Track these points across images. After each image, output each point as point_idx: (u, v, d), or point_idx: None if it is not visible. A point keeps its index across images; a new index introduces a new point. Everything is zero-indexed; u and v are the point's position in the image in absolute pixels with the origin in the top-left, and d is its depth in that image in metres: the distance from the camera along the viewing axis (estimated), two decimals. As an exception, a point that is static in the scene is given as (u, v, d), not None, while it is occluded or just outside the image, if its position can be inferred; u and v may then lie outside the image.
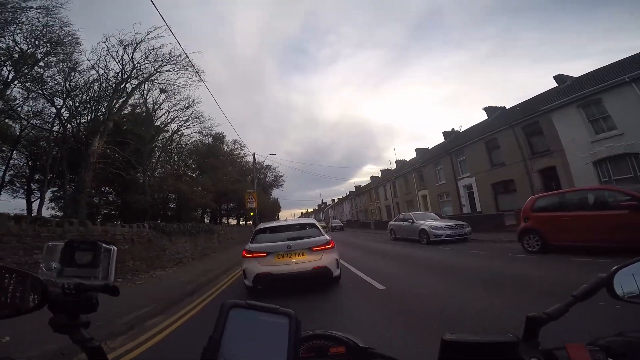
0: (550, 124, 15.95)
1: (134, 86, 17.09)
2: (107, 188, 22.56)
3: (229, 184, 24.16)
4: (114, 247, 0.64)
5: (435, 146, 30.65)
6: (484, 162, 20.35)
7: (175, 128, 23.88)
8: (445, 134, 30.33)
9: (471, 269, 6.43)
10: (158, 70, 16.99)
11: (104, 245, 0.62)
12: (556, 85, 19.17)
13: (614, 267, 0.63)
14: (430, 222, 12.38)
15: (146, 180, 19.92)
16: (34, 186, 19.57)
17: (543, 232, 7.46)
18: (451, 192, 23.75)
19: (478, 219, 16.47)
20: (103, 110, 16.08)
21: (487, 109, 24.99)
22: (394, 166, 42.33)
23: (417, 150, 35.53)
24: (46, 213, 19.06)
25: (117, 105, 16.15)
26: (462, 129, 29.21)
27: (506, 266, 6.44)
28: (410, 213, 14.45)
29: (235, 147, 34.91)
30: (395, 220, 15.47)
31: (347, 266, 7.79)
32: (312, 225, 5.86)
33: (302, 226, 5.84)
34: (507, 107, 23.80)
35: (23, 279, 0.58)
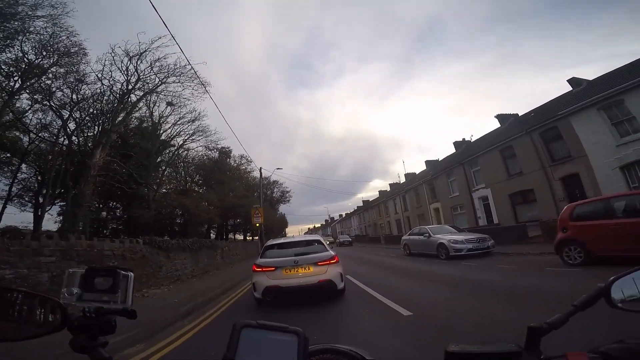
0: (569, 128, 15.06)
1: (138, 97, 16.90)
2: (114, 203, 22.21)
3: (236, 199, 23.56)
4: (131, 273, 0.68)
5: (446, 157, 29.74)
6: (500, 172, 19.38)
7: (181, 142, 23.65)
8: (455, 144, 29.48)
9: (513, 287, 5.47)
10: (163, 81, 16.79)
11: (122, 272, 0.67)
12: (570, 89, 18.35)
13: (612, 277, 0.64)
14: (448, 235, 11.44)
15: (151, 194, 19.47)
16: (42, 200, 19.32)
17: (585, 242, 6.53)
18: (465, 204, 22.68)
19: (496, 231, 15.36)
20: (107, 122, 15.84)
21: (499, 117, 24.15)
22: (402, 179, 41.38)
23: (427, 162, 34.67)
24: (53, 227, 18.69)
25: (121, 117, 15.87)
26: (474, 139, 28.40)
27: (554, 282, 5.52)
28: (426, 227, 13.50)
29: (242, 162, 34.61)
30: (409, 235, 14.52)
31: (360, 286, 6.99)
32: (318, 242, 6.22)
33: (309, 242, 6.19)
34: (519, 114, 22.99)
35: (45, 302, 0.64)
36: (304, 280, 5.27)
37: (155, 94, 19.40)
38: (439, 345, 0.87)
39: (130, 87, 15.74)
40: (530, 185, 17.36)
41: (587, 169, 14.39)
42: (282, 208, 59.92)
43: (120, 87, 15.83)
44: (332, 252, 5.77)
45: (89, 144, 16.41)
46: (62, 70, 14.09)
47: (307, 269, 5.38)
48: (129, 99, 16.45)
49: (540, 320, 0.62)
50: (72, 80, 14.62)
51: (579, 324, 0.68)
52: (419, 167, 41.18)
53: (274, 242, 6.45)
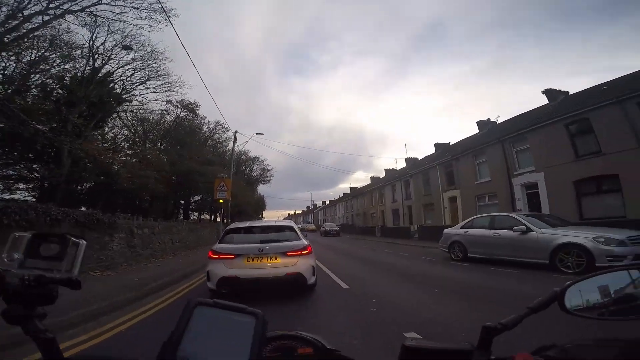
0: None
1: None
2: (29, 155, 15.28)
3: (194, 164, 17.05)
4: (84, 241, 0.62)
5: (471, 136, 24.65)
6: (563, 151, 14.36)
7: (129, 87, 16.95)
8: (480, 124, 24.43)
9: None
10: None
11: (72, 238, 0.61)
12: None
13: (567, 282, 0.66)
14: (584, 231, 6.04)
15: (65, 146, 12.91)
16: None
17: None
18: (499, 192, 17.69)
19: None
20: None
21: (548, 92, 19.06)
22: (402, 165, 36.36)
23: (437, 145, 29.57)
24: None
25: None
26: (499, 120, 23.51)
27: None
28: (514, 215, 8.07)
29: (217, 129, 28.01)
30: (463, 228, 9.09)
31: None
32: (290, 228, 5.41)
33: (279, 228, 5.45)
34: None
35: None
36: (268, 272, 4.66)
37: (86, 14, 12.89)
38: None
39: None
40: (614, 170, 12.41)
41: None
42: (262, 189, 53.52)
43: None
44: (305, 242, 5.11)
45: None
46: None
47: (273, 259, 4.75)
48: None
49: None
50: None
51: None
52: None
53: (239, 226, 5.65)
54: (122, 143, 19.26)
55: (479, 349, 0.60)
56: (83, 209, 10.31)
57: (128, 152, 17.56)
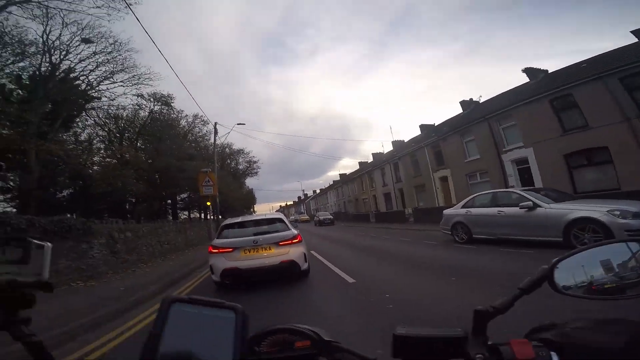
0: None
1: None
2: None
3: (174, 160, 16.08)
4: (49, 244, 0.62)
5: (455, 116, 24.52)
6: (549, 126, 14.45)
7: (94, 82, 15.69)
8: (463, 104, 24.35)
9: None
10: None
11: (35, 241, 0.61)
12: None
13: (554, 260, 0.61)
14: (596, 205, 5.85)
15: (32, 149, 11.85)
16: None
17: None
18: (490, 169, 17.72)
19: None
20: None
21: (528, 70, 19.04)
22: (388, 149, 36.20)
23: (422, 127, 29.39)
24: None
25: None
26: (482, 100, 23.48)
27: None
28: (517, 190, 7.82)
29: (196, 122, 26.79)
30: (464, 207, 8.83)
31: None
32: (280, 220, 5.86)
33: (270, 221, 5.85)
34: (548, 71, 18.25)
35: None
36: (265, 261, 5.09)
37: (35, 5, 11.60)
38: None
39: None
40: (603, 142, 12.53)
41: None
42: (250, 183, 52.50)
43: None
44: (294, 231, 5.55)
45: None
46: None
47: (268, 249, 5.21)
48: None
49: None
50: None
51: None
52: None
53: (232, 221, 5.99)
54: (98, 145, 18.09)
55: (473, 334, 0.58)
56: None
57: (105, 153, 16.48)
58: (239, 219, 6.08)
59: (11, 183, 14.80)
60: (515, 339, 0.54)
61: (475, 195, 9.05)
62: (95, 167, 13.46)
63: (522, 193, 7.15)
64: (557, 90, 14.16)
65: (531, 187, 10.83)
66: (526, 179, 15.65)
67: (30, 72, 12.75)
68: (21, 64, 12.29)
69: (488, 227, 7.73)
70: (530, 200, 6.68)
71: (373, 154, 39.87)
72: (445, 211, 9.75)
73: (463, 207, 8.90)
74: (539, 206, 6.49)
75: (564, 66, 16.79)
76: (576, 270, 0.61)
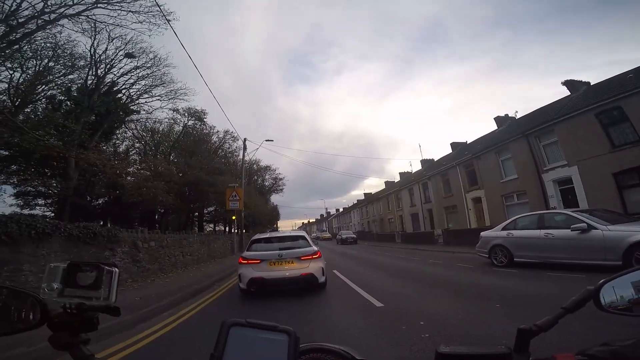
0: None
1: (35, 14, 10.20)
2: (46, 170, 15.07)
3: (203, 174, 16.41)
4: (116, 269, 0.64)
5: (490, 133, 23.45)
6: (596, 142, 13.26)
7: (134, 95, 16.70)
8: (498, 120, 23.29)
9: None
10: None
11: (106, 267, 0.62)
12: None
13: (601, 281, 0.63)
14: None
15: (72, 158, 12.59)
16: None
17: None
18: (529, 189, 16.49)
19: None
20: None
21: (568, 83, 17.89)
22: (417, 167, 35.20)
23: (454, 145, 28.42)
24: None
25: None
26: (518, 115, 22.32)
27: None
28: (568, 211, 7.00)
29: (227, 138, 27.68)
30: (505, 229, 8.05)
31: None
32: (302, 237, 6.50)
33: (293, 238, 6.50)
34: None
35: (23, 298, 0.61)
36: (287, 273, 5.59)
37: (84, 19, 12.70)
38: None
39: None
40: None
41: None
42: (275, 199, 53.00)
43: None
44: (315, 248, 6.13)
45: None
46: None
47: (290, 262, 5.71)
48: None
49: None
50: None
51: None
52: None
53: (261, 237, 6.58)
54: (135, 156, 19.03)
55: (516, 351, 0.58)
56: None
57: (140, 165, 17.24)
58: (267, 235, 6.80)
59: (53, 190, 15.86)
60: (558, 354, 0.54)
61: (517, 217, 8.30)
62: (129, 178, 14.02)
63: (574, 214, 6.40)
64: (604, 102, 13.06)
65: (581, 209, 9.83)
66: (570, 200, 14.33)
67: (79, 85, 13.77)
68: (71, 76, 13.34)
69: (533, 250, 6.95)
70: (584, 222, 5.92)
71: (400, 173, 38.95)
72: (483, 233, 9.00)
73: (503, 229, 8.14)
74: (595, 228, 5.73)
75: (604, 78, 15.74)
76: (623, 290, 0.61)
